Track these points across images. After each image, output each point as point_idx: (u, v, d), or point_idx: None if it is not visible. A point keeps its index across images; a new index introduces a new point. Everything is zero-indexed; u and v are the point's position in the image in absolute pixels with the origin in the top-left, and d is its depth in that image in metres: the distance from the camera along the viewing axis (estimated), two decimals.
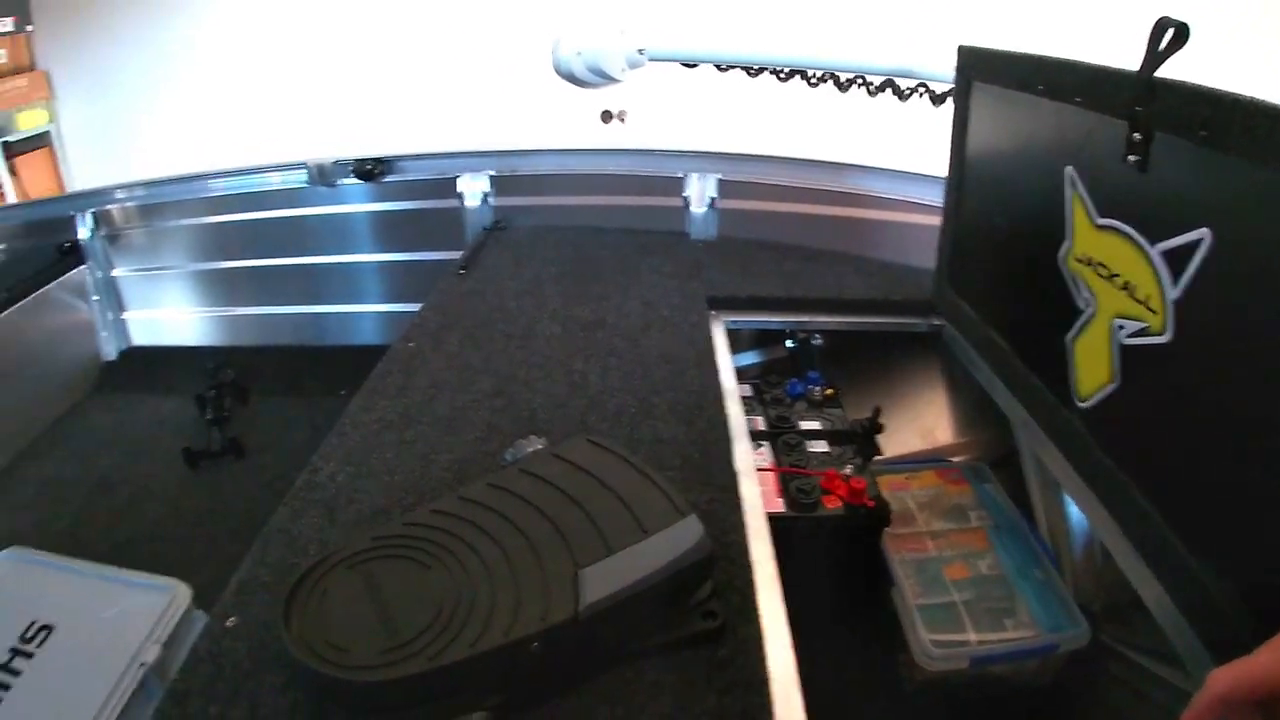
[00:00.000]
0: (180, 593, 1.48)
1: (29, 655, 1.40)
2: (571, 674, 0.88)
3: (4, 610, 1.50)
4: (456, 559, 0.89)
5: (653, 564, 0.89)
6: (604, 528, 0.93)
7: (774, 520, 1.17)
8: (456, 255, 2.22)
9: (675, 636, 0.92)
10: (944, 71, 1.50)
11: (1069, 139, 1.10)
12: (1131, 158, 0.94)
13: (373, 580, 0.88)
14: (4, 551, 1.63)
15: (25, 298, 2.65)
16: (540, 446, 1.18)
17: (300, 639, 0.80)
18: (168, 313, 3.03)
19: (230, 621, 0.97)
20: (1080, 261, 1.09)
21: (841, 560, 1.44)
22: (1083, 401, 1.13)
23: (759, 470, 1.35)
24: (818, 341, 1.90)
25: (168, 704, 0.87)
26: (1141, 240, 0.94)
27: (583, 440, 1.09)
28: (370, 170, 2.49)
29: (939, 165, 1.57)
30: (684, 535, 0.92)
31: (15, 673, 1.37)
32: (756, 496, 1.19)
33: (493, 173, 2.48)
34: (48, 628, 1.44)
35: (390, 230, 2.70)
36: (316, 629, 0.82)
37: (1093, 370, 1.09)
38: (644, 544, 0.91)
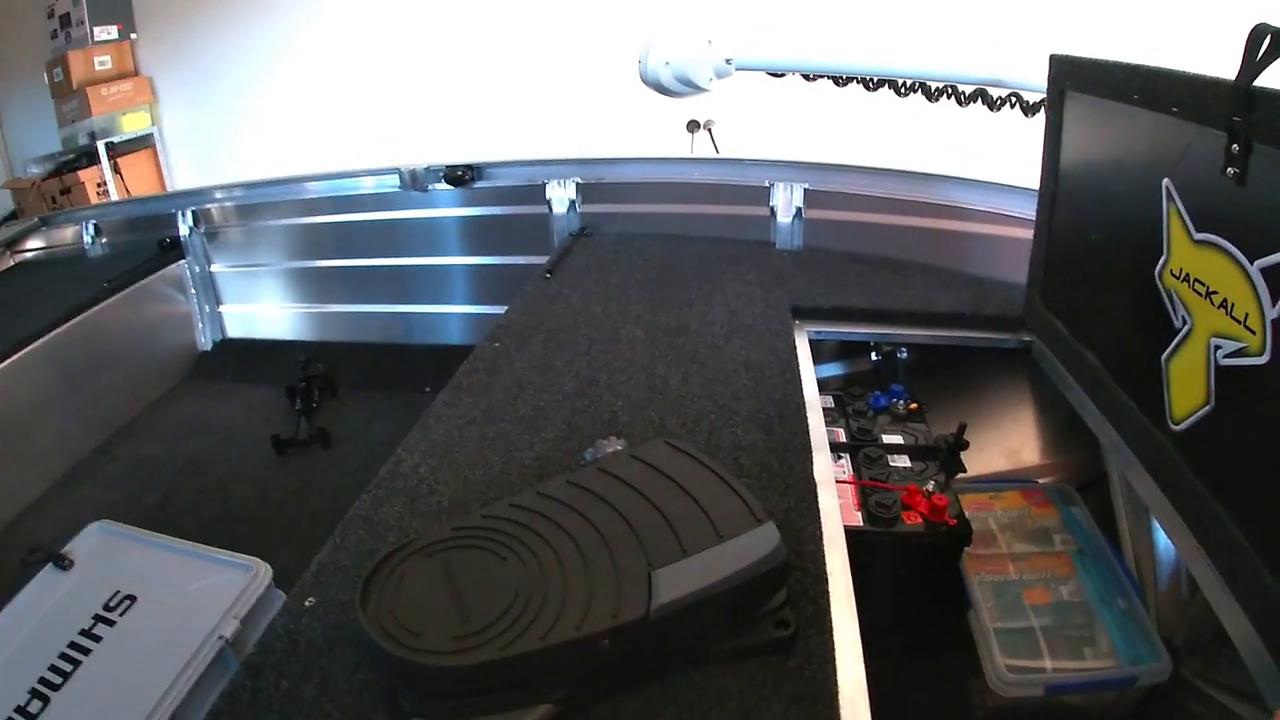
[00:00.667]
0: (261, 572, 1.53)
1: (111, 623, 1.48)
2: (639, 673, 0.89)
3: (89, 579, 1.58)
4: (532, 553, 0.91)
5: (727, 569, 0.89)
6: (679, 530, 0.93)
7: (851, 534, 1.16)
8: (543, 260, 2.25)
9: (746, 643, 0.91)
10: (1036, 81, 1.46)
11: (1166, 150, 1.07)
12: (1230, 170, 0.91)
13: (449, 569, 0.90)
14: (92, 524, 1.70)
15: (127, 288, 2.79)
16: (619, 447, 1.19)
17: (375, 621, 0.83)
18: (262, 307, 3.15)
19: (308, 601, 1.01)
20: (1177, 277, 1.06)
21: (919, 578, 1.42)
22: (1176, 424, 1.09)
23: (838, 482, 1.34)
24: (903, 355, 1.87)
25: (242, 675, 0.91)
26: (1240, 256, 0.91)
27: (661, 443, 1.09)
28: (461, 176, 2.55)
29: (1031, 177, 1.53)
30: (759, 542, 0.92)
31: (97, 638, 1.45)
32: (835, 508, 1.18)
33: (580, 180, 2.51)
34: (131, 598, 1.52)
35: (479, 234, 2.75)
36: (391, 612, 0.84)
37: (1187, 391, 1.06)
38: (719, 548, 0.91)
